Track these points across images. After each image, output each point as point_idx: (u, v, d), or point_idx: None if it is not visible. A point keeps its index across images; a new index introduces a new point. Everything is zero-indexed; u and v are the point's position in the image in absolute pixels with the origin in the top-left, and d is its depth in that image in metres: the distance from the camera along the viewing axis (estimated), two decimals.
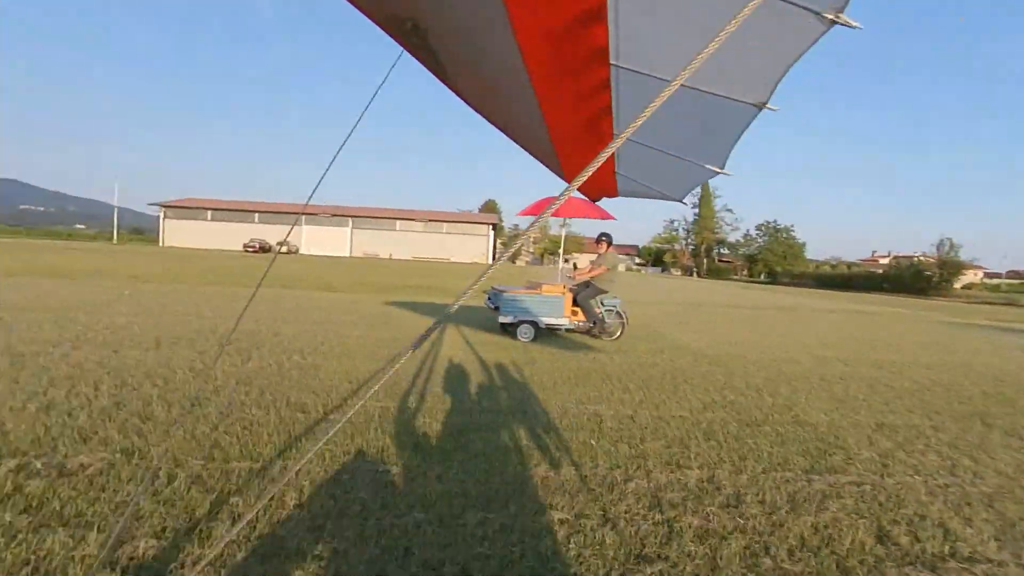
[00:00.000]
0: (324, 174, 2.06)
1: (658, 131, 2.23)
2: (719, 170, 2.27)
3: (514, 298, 7.72)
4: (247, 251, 48.81)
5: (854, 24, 1.01)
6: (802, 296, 29.63)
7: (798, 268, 65.02)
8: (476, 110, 2.16)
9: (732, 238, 79.97)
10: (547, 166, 3.04)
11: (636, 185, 3.11)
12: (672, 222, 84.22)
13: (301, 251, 57.84)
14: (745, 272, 75.66)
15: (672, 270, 79.72)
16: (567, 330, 8.12)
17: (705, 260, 78.31)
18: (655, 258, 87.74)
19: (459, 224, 64.21)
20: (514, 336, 7.62)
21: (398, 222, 62.99)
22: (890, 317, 17.16)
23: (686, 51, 1.39)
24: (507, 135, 2.51)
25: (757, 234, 74.47)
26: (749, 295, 26.69)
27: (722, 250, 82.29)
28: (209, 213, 61.58)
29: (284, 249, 52.98)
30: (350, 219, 62.04)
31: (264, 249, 50.37)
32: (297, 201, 66.81)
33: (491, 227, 63.55)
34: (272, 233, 57.88)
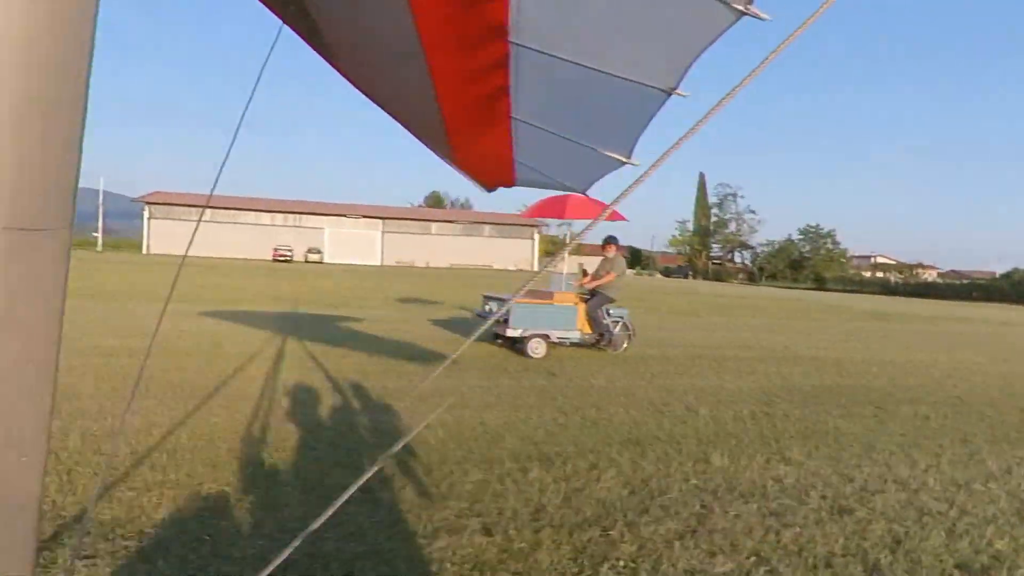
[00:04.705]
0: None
1: (560, 114, 2.19)
2: (625, 160, 2.26)
3: (525, 309, 7.42)
4: (276, 260, 46.75)
5: (763, 16, 1.07)
6: (976, 308, 30.03)
7: (855, 275, 65.56)
8: (361, 90, 2.13)
9: (752, 240, 79.48)
10: (436, 152, 3.00)
11: (536, 174, 3.06)
12: (685, 222, 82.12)
13: (326, 259, 52.71)
14: (743, 276, 74.63)
15: (655, 273, 76.71)
16: (572, 343, 7.95)
17: (714, 264, 78.04)
18: (630, 260, 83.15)
19: (500, 227, 62.94)
20: (523, 352, 7.39)
21: (434, 224, 61.63)
22: None
23: (587, 31, 1.49)
24: (394, 117, 2.49)
25: (800, 239, 73.65)
26: (951, 309, 26.45)
27: (743, 253, 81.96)
28: (208, 213, 52.16)
29: (316, 258, 51.36)
30: (380, 221, 58.57)
31: (287, 259, 47.82)
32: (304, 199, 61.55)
33: (536, 230, 62.81)
34: (289, 238, 53.67)
